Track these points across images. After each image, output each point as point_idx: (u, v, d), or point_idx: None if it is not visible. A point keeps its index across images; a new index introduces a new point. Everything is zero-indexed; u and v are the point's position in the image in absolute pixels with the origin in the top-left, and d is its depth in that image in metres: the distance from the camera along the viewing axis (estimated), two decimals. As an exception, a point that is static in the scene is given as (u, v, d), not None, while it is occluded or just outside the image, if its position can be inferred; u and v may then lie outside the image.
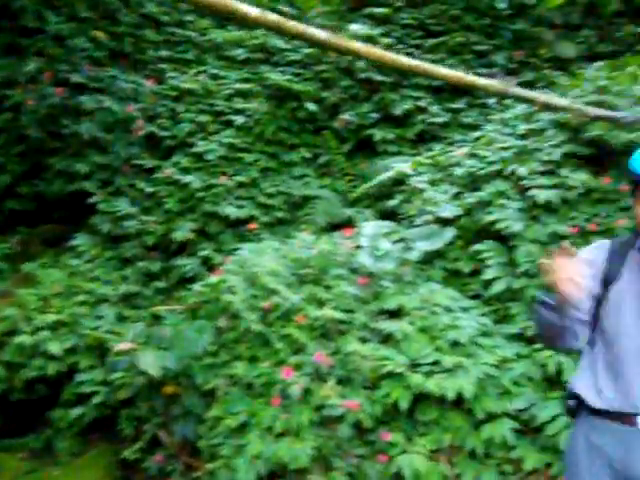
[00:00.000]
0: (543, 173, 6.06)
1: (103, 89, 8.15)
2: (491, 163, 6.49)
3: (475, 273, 5.69)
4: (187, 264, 7.12)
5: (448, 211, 6.13)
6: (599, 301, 2.73)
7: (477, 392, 4.41)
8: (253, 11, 3.96)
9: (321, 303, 5.01)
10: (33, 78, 7.75)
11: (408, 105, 8.77)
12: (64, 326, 5.95)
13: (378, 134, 8.56)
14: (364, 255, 5.55)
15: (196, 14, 10.02)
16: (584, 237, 5.23)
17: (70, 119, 7.74)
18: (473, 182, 6.50)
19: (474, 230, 5.93)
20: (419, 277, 5.61)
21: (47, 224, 7.88)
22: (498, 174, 6.32)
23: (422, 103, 8.86)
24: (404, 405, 4.40)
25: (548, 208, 5.72)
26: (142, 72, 8.94)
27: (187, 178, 7.76)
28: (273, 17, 4.12)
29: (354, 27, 9.07)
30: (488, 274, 5.46)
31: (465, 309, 5.19)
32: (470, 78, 5.22)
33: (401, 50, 8.98)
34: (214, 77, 9.16)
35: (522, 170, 6.08)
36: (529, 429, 4.49)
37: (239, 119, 8.49)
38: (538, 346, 4.75)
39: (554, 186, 5.85)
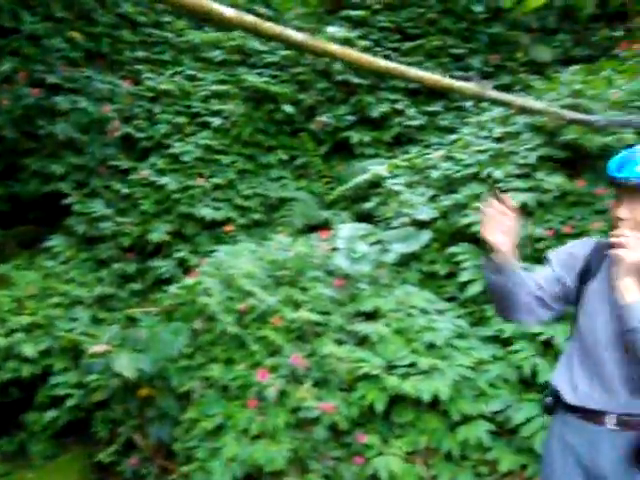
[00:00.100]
0: (519, 176, 6.09)
1: (79, 90, 8.10)
2: (467, 166, 6.52)
3: (451, 275, 5.70)
4: (163, 266, 7.10)
5: (424, 213, 6.14)
6: (578, 298, 2.78)
7: (453, 394, 4.41)
8: (229, 11, 3.93)
9: (297, 305, 5.00)
10: (8, 78, 7.69)
11: (385, 108, 8.81)
12: (38, 328, 5.89)
13: (355, 136, 8.59)
14: (340, 257, 5.55)
15: (173, 15, 10.00)
16: (559, 239, 5.26)
17: (45, 120, 7.69)
18: (449, 185, 6.52)
19: (450, 232, 5.95)
20: (395, 279, 5.62)
21: (22, 225, 7.81)
22: (474, 177, 6.34)
23: (399, 106, 8.91)
24: (380, 407, 4.40)
25: (524, 211, 5.75)
26: (118, 73, 8.90)
27: (163, 179, 7.75)
28: (249, 18, 4.09)
29: (331, 29, 9.10)
30: (464, 276, 5.47)
31: (441, 311, 5.20)
32: (446, 81, 5.22)
33: (378, 53, 9.02)
34: (191, 78, 9.14)
35: (498, 173, 6.11)
36: (505, 431, 4.50)
37: (216, 121, 8.48)
38: (514, 348, 4.77)
39: (530, 189, 5.88)
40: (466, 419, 4.44)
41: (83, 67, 8.41)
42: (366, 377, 4.52)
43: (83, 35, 8.60)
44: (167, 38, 9.76)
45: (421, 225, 6.12)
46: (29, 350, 5.64)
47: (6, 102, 7.50)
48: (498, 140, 6.77)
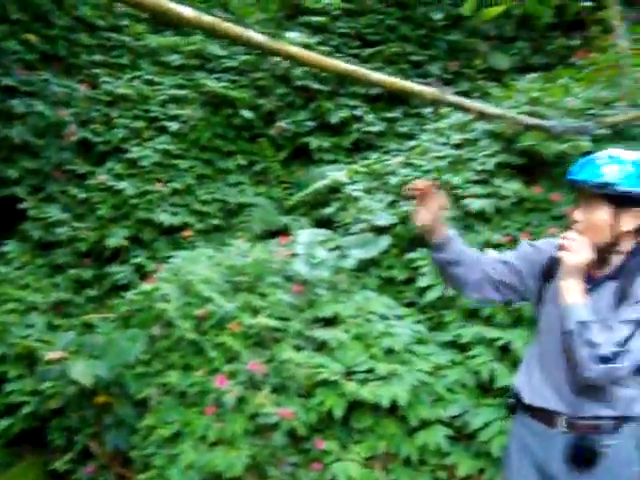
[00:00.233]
0: (477, 182, 6.14)
1: (35, 93, 7.98)
2: (426, 172, 6.55)
3: (410, 281, 5.72)
4: (120, 272, 7.02)
5: (383, 219, 6.16)
6: (540, 298, 2.83)
7: (411, 399, 4.42)
8: (188, 12, 3.91)
9: (256, 311, 4.97)
10: (-37, 81, 7.58)
11: (344, 114, 8.83)
12: (-7, 335, 5.81)
13: (314, 142, 8.59)
14: (299, 263, 5.54)
15: (131, 19, 9.91)
16: (516, 246, 5.30)
17: (1, 123, 7.57)
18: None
19: (409, 238, 5.96)
20: (354, 285, 5.62)
21: (-24, 230, 7.69)
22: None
23: (358, 112, 8.94)
24: (339, 413, 4.39)
25: (481, 217, 5.80)
26: (75, 76, 8.78)
27: (121, 184, 7.66)
28: (208, 18, 4.07)
29: (291, 35, 9.09)
30: (423, 282, 5.48)
31: (400, 317, 5.21)
32: (406, 84, 5.25)
33: (338, 59, 9.01)
34: (149, 83, 9.07)
35: (456, 179, 6.15)
36: (463, 435, 4.52)
37: (174, 125, 8.43)
38: (472, 353, 4.80)
39: (487, 195, 5.93)
40: (424, 424, 4.45)
41: (40, 70, 8.29)
42: (325, 383, 4.51)
43: (39, 38, 8.49)
44: (125, 42, 9.65)
45: (380, 231, 6.13)
46: (-17, 357, 5.55)
47: (-39, 105, 7.40)
48: (456, 147, 6.82)
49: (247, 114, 8.67)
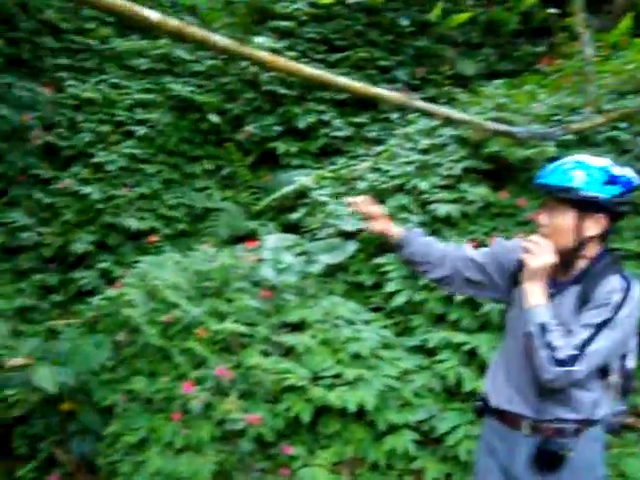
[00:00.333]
0: (444, 187, 6.16)
1: (-1, 96, 7.92)
2: (393, 177, 6.56)
3: (377, 286, 5.72)
4: (85, 277, 6.95)
5: (350, 224, 6.16)
6: (509, 300, 2.86)
7: (378, 404, 4.42)
8: (154, 15, 3.88)
9: (222, 316, 4.95)
10: None
11: (312, 118, 8.83)
12: (-45, 341, 5.73)
13: (282, 147, 8.59)
14: (266, 268, 5.52)
15: (97, 22, 9.83)
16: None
17: (-36, 127, 7.50)
18: (375, 196, 6.55)
19: (376, 243, 5.97)
20: (321, 290, 5.61)
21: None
22: (400, 188, 6.39)
23: (326, 117, 8.95)
24: (306, 418, 4.39)
25: (448, 222, 5.82)
26: (40, 80, 8.70)
27: (86, 189, 7.60)
28: (174, 23, 4.04)
29: (259, 40, 9.07)
30: (390, 287, 5.49)
31: (367, 322, 5.21)
32: (373, 89, 5.25)
33: (306, 64, 9.01)
34: (115, 86, 8.99)
35: (423, 184, 6.17)
36: (430, 440, 4.53)
37: (141, 130, 8.37)
38: (439, 358, 4.82)
39: (454, 200, 5.95)
40: (392, 429, 4.46)
41: (3, 73, 8.21)
42: (292, 388, 4.50)
43: (4, 41, 8.40)
44: (91, 45, 9.57)
45: (347, 236, 6.13)
46: (-56, 364, 5.47)
47: None
48: (424, 152, 6.84)
49: (214, 119, 8.64)
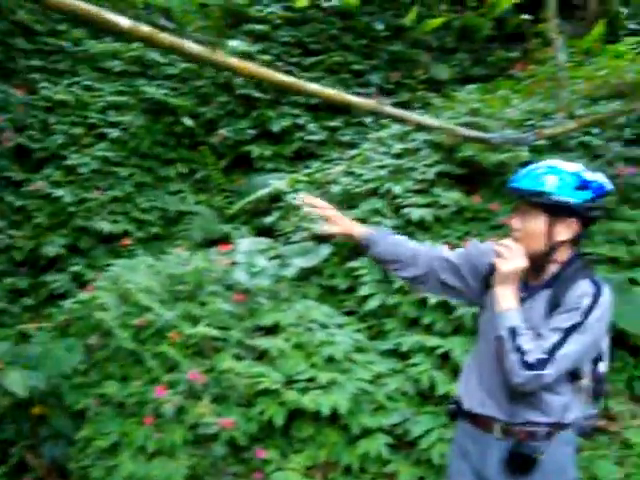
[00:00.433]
0: (417, 191, 6.18)
1: (-30, 98, 7.85)
2: (367, 181, 6.57)
3: (351, 290, 5.72)
4: (57, 280, 6.90)
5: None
6: (482, 303, 2.86)
7: (352, 408, 4.42)
8: (125, 22, 3.87)
9: (195, 320, 4.93)
10: None
11: (286, 122, 8.83)
12: None
13: (255, 150, 8.58)
14: (240, 272, 5.50)
15: (70, 23, 9.77)
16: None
17: None
18: (349, 200, 6.56)
19: (350, 247, 5.97)
20: (295, 294, 5.60)
21: None
22: (374, 192, 6.40)
23: (300, 121, 8.95)
24: (279, 422, 4.37)
25: (422, 226, 5.83)
26: (12, 82, 8.63)
27: (58, 192, 7.55)
28: (145, 29, 4.03)
29: (233, 43, 9.06)
30: (363, 291, 5.50)
31: (340, 325, 5.21)
32: (344, 96, 5.26)
33: (280, 68, 9.02)
34: (88, 89, 8.93)
35: (397, 188, 6.19)
36: (403, 443, 4.53)
37: (114, 132, 8.33)
38: (412, 361, 4.82)
39: (428, 204, 5.98)
40: (365, 432, 4.45)
41: (-25, 75, 8.16)
42: (265, 392, 4.48)
43: (-25, 42, 8.35)
44: (64, 47, 9.50)
45: (321, 240, 6.13)
46: None
47: None
48: (397, 156, 6.86)
49: (188, 122, 8.62)
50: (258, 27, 10.06)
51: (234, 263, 5.65)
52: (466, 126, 6.25)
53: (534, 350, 2.47)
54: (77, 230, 7.37)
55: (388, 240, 3.01)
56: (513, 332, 2.50)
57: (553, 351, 2.46)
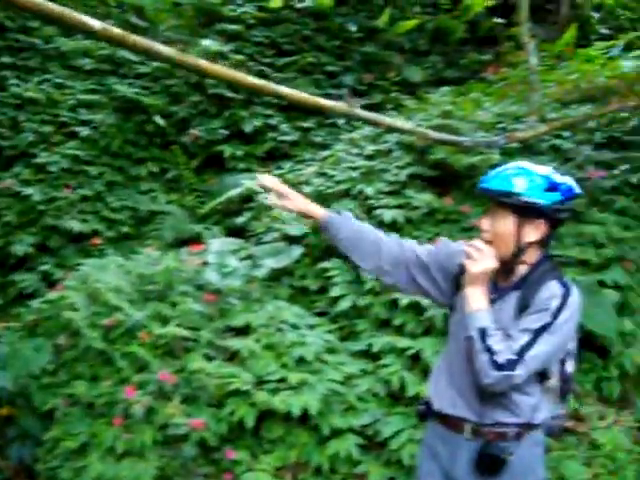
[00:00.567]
0: (389, 193, 6.20)
1: (-62, 95, 7.76)
2: (339, 182, 6.58)
3: (322, 291, 5.72)
4: (26, 280, 6.83)
5: (296, 229, 6.15)
6: (452, 304, 2.87)
7: (322, 408, 4.42)
8: (96, 24, 3.86)
9: (166, 320, 4.91)
10: None
11: (258, 122, 8.81)
12: None
13: (228, 150, 8.55)
14: (211, 272, 5.49)
15: (41, 21, 9.67)
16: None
17: None
18: (321, 201, 6.54)
19: (321, 248, 5.97)
20: (266, 294, 5.59)
21: None
22: (346, 193, 6.41)
23: (272, 121, 8.93)
24: (249, 423, 4.36)
25: (394, 227, 5.84)
26: (-19, 78, 8.55)
27: (28, 190, 7.48)
28: (116, 31, 4.03)
29: (205, 42, 9.03)
30: (335, 292, 5.50)
31: (311, 326, 5.20)
32: (315, 99, 5.27)
33: (253, 68, 9.02)
34: (59, 86, 8.85)
35: (369, 190, 6.20)
36: (374, 444, 4.54)
37: (84, 131, 8.27)
38: (383, 362, 4.83)
39: (399, 206, 5.99)
40: (336, 433, 4.45)
41: (-57, 71, 8.06)
42: (236, 393, 4.47)
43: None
44: (35, 44, 9.42)
45: (292, 240, 6.13)
46: None
47: None
48: (369, 157, 6.87)
49: (160, 121, 8.57)
50: (231, 27, 10.02)
51: (205, 263, 5.64)
52: (438, 128, 6.28)
53: (504, 351, 2.48)
54: (47, 229, 7.30)
55: (351, 227, 2.95)
56: (483, 333, 2.51)
57: (523, 352, 2.48)
